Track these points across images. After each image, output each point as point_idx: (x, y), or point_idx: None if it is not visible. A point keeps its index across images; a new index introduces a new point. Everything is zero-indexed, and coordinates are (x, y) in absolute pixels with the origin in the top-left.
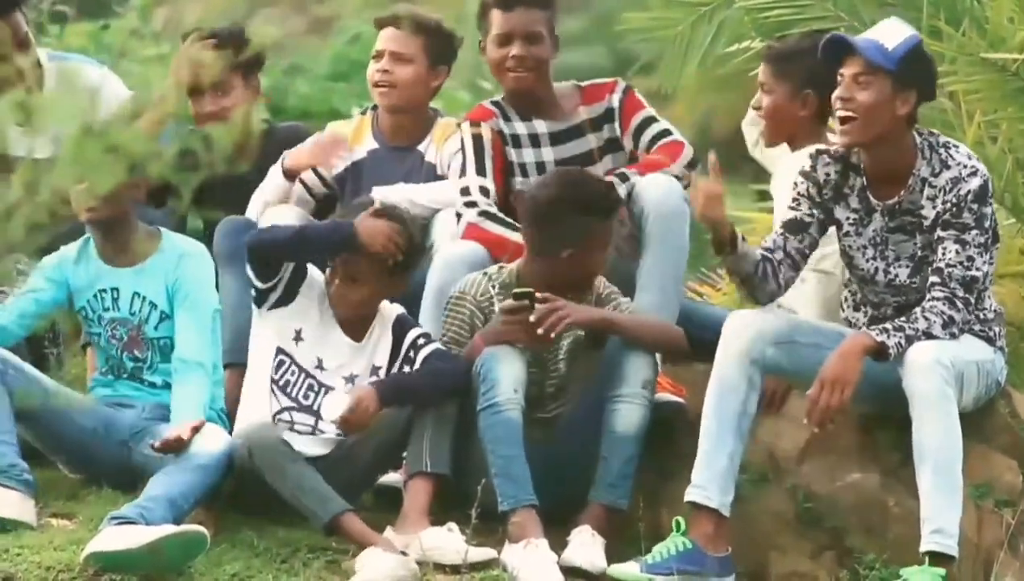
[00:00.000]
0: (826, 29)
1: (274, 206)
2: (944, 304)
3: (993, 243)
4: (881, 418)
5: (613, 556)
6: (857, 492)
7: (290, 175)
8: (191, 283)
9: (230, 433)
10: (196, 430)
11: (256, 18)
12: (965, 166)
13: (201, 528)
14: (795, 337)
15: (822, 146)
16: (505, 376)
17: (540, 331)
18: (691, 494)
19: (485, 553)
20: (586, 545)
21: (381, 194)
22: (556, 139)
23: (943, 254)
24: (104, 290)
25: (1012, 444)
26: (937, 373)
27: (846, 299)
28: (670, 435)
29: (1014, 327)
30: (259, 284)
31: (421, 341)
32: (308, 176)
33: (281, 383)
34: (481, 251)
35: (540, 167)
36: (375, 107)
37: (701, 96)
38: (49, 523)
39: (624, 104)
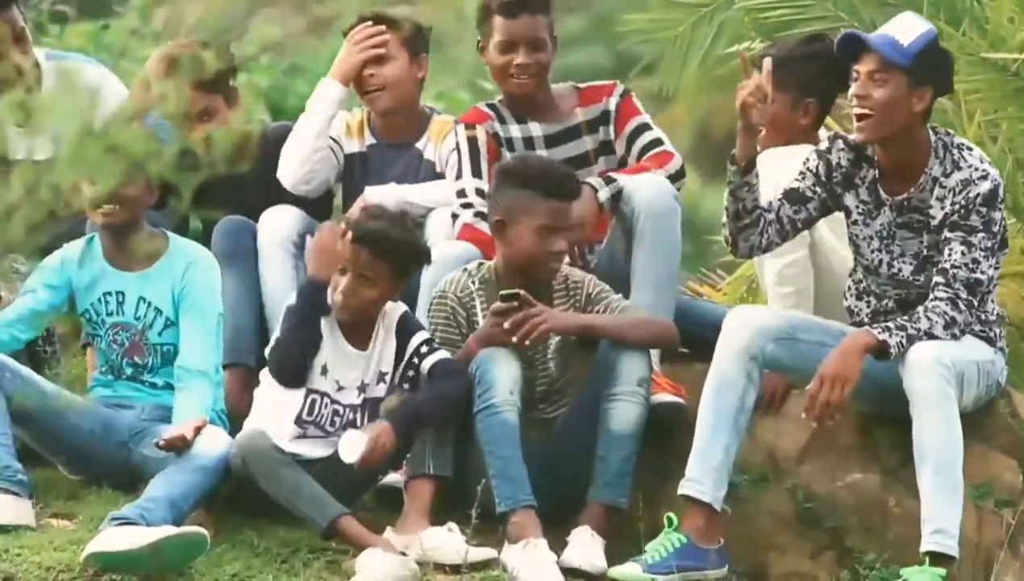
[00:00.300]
0: (826, 30)
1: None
2: (947, 305)
3: (1001, 249)
4: (881, 418)
5: (613, 556)
6: (857, 492)
7: None
8: (198, 291)
9: (230, 434)
10: (199, 430)
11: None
12: (976, 169)
13: (201, 529)
14: (797, 334)
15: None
16: (501, 378)
17: (514, 339)
18: (685, 487)
19: (485, 553)
20: (585, 545)
21: (373, 194)
22: (551, 141)
23: (949, 255)
24: (109, 293)
25: (1012, 444)
26: (938, 373)
27: (849, 288)
28: (669, 435)
29: (1014, 327)
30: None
31: (424, 349)
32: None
33: (316, 420)
34: (476, 251)
35: None
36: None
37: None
38: (49, 523)
39: (620, 108)
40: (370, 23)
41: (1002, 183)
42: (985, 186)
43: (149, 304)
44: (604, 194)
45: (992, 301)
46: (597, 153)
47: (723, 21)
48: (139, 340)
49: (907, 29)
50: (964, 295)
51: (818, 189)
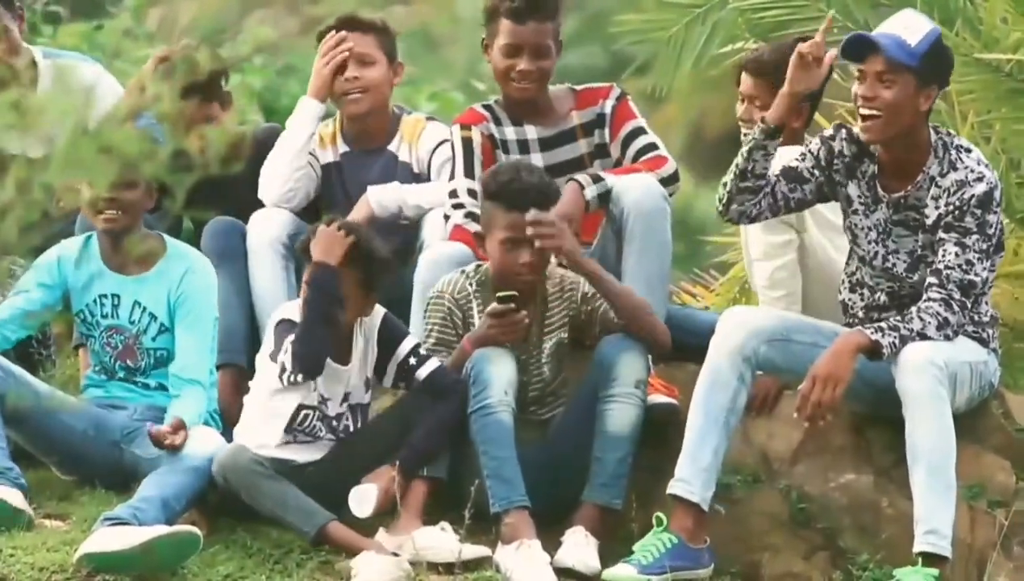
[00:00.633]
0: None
1: (263, 210)
2: (940, 306)
3: (996, 251)
4: (874, 419)
5: (607, 556)
6: (850, 493)
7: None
8: (195, 297)
9: (222, 434)
10: (176, 429)
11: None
12: (972, 171)
13: (194, 529)
14: (791, 335)
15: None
16: (496, 378)
17: (530, 232)
18: (674, 487)
19: (479, 551)
20: (579, 546)
21: (376, 193)
22: (546, 145)
23: (943, 256)
24: (104, 295)
25: (1005, 445)
26: (930, 373)
27: (844, 281)
28: (663, 435)
29: (1007, 327)
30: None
31: (413, 361)
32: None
33: (306, 428)
34: (468, 252)
35: None
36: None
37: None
38: (42, 524)
39: (616, 111)
40: (334, 31)
41: (999, 186)
42: (980, 188)
43: (144, 309)
44: (591, 191)
45: (986, 302)
46: (592, 156)
47: (717, 22)
48: (133, 344)
49: (912, 28)
50: (957, 296)
51: (816, 173)
